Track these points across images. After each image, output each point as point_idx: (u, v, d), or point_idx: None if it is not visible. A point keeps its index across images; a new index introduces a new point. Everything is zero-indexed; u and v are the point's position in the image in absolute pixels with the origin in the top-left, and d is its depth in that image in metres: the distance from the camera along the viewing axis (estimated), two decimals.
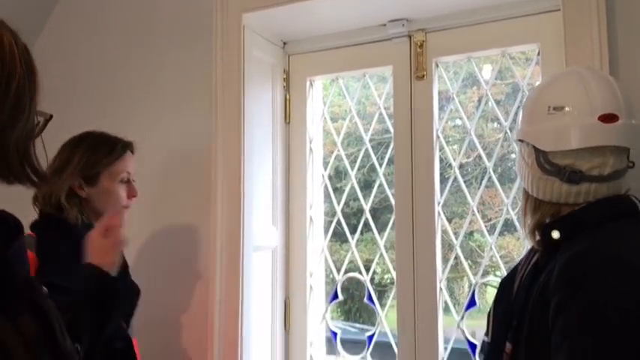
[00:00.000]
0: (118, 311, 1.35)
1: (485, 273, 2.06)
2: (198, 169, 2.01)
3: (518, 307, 1.12)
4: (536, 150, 1.15)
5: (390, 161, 2.12)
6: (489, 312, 1.23)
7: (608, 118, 1.09)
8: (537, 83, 1.29)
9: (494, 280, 3.33)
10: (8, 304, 0.63)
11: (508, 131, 1.92)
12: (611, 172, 1.11)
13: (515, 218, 1.91)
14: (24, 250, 0.69)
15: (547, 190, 1.14)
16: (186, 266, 2.00)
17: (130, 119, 2.15)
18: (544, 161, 1.13)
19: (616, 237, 1.05)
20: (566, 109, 1.12)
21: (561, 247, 1.08)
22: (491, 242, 1.93)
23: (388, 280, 5.04)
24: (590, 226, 1.08)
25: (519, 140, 1.21)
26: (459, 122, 4.40)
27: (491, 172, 1.92)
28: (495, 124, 5.70)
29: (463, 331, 1.92)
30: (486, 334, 1.22)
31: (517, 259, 1.87)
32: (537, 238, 1.17)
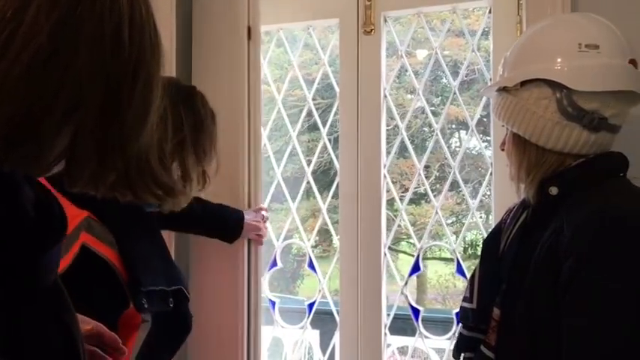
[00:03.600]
0: None
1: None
2: None
3: (506, 270, 1.04)
4: (559, 91, 1.02)
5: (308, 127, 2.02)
6: (472, 275, 1.13)
7: (633, 62, 1.03)
8: (537, 25, 1.13)
9: (441, 245, 3.34)
10: (33, 312, 0.53)
11: (424, 102, 1.90)
12: (622, 123, 1.05)
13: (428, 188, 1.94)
14: (58, 254, 0.57)
15: (562, 137, 1.02)
16: None
17: None
18: (567, 104, 1.01)
19: (629, 193, 0.99)
20: (601, 48, 1.02)
21: (562, 203, 1.00)
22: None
23: (303, 252, 4.97)
24: (590, 181, 1.01)
25: (519, 84, 1.06)
26: None
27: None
28: (409, 96, 5.64)
29: (406, 297, 1.88)
30: (468, 300, 1.12)
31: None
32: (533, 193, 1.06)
